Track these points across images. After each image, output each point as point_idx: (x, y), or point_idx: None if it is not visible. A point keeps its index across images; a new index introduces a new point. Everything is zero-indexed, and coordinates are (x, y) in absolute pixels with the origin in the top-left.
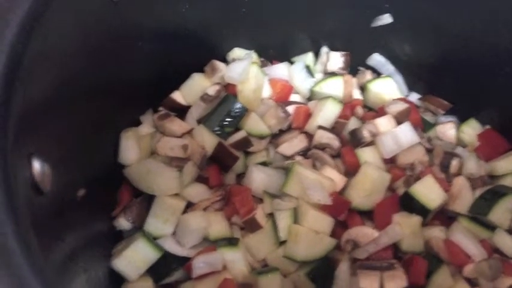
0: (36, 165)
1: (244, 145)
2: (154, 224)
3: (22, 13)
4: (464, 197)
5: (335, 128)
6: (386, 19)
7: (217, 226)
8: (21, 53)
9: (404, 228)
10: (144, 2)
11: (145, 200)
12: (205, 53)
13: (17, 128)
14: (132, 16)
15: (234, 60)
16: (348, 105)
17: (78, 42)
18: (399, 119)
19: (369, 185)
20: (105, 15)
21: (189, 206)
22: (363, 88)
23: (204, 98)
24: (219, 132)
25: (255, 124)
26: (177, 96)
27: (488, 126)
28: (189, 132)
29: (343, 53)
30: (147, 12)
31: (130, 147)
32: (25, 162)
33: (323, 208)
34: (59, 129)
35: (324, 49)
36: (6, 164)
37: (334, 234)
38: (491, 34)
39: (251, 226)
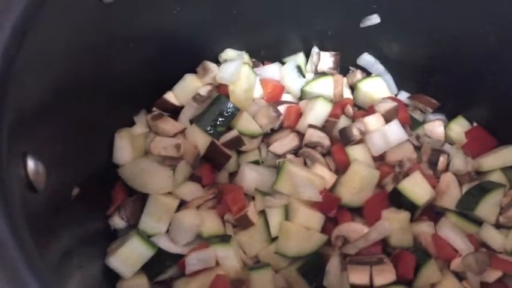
0: (30, 163)
1: (237, 144)
2: (148, 222)
3: (15, 16)
4: (452, 193)
5: (325, 127)
6: (374, 19)
7: (210, 224)
8: (15, 55)
9: (393, 224)
10: (136, 4)
11: (139, 199)
12: (197, 54)
13: (11, 127)
14: (124, 18)
15: (225, 61)
16: (339, 105)
17: (71, 43)
18: (388, 117)
19: (358, 182)
20: (97, 17)
21: (182, 205)
22: (353, 87)
23: (196, 98)
24: (211, 132)
25: (246, 123)
26: (170, 96)
27: (475, 124)
28: (182, 132)
29: (333, 53)
30: (139, 14)
31: (124, 147)
32: (19, 160)
33: (313, 205)
34: (53, 129)
35: (315, 49)
36: (1, 162)
37: (324, 230)
38: (478, 34)
39: (243, 223)
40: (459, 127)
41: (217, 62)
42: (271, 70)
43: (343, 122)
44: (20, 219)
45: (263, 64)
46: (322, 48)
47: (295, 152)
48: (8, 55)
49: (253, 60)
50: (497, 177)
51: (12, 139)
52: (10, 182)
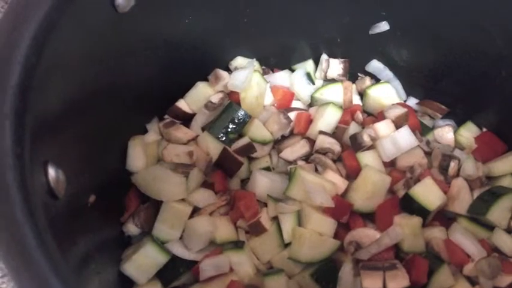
0: (51, 171)
1: (248, 151)
2: (162, 229)
3: (35, 25)
4: (463, 198)
5: (336, 133)
6: (383, 26)
7: (223, 230)
8: (35, 64)
9: (405, 229)
10: (149, 13)
11: (153, 206)
12: (209, 62)
13: (33, 136)
14: (138, 27)
15: (236, 68)
16: (348, 111)
17: (87, 52)
18: (397, 123)
19: (370, 188)
20: (112, 26)
21: (196, 211)
22: (362, 94)
23: (208, 105)
24: (223, 139)
25: (258, 130)
26: (182, 104)
27: (485, 129)
28: (194, 139)
29: (343, 59)
30: (152, 23)
31: (138, 155)
32: (41, 168)
33: (326, 211)
34: (70, 137)
35: (324, 56)
36: (24, 170)
37: (337, 236)
38: (486, 39)
39: (256, 229)
40: (469, 132)
41: (228, 70)
42: (281, 77)
43: (353, 128)
44: (43, 223)
45: (273, 71)
46: (331, 55)
47: (306, 158)
48: (28, 64)
49: (263, 67)
50: (508, 182)
51: (34, 148)
52: (33, 190)
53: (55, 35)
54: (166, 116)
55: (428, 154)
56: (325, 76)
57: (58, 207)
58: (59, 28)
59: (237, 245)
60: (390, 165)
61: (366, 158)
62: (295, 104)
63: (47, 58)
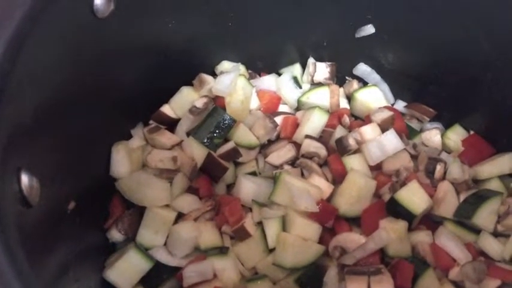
0: (25, 179)
1: (234, 156)
2: (146, 235)
3: (10, 32)
4: (449, 202)
5: (322, 137)
6: (369, 29)
7: (208, 236)
8: (9, 71)
9: (391, 234)
10: (131, 18)
11: (137, 212)
12: (194, 66)
13: (5, 143)
14: (119, 32)
15: (222, 73)
16: (336, 115)
17: (66, 58)
18: (383, 127)
19: (355, 192)
20: (92, 31)
21: (180, 217)
22: (349, 97)
23: (193, 110)
24: (208, 144)
25: (243, 135)
26: (167, 109)
27: (472, 132)
28: (179, 144)
29: (329, 63)
30: (134, 27)
31: (121, 160)
32: (13, 176)
33: (311, 216)
34: (48, 143)
35: (311, 60)
36: None
37: (322, 241)
38: (473, 42)
39: (241, 235)
40: (456, 135)
41: (214, 74)
42: (268, 81)
43: (339, 132)
44: (14, 235)
45: (260, 75)
46: (318, 58)
47: (292, 162)
48: (2, 71)
49: (250, 71)
50: (494, 185)
51: (6, 155)
52: (3, 198)
53: (30, 42)
54: (150, 121)
55: (414, 157)
56: (312, 80)
57: (32, 215)
58: (34, 35)
59: (222, 250)
60: (376, 169)
61: (352, 162)
62: (282, 108)
63: (22, 65)
